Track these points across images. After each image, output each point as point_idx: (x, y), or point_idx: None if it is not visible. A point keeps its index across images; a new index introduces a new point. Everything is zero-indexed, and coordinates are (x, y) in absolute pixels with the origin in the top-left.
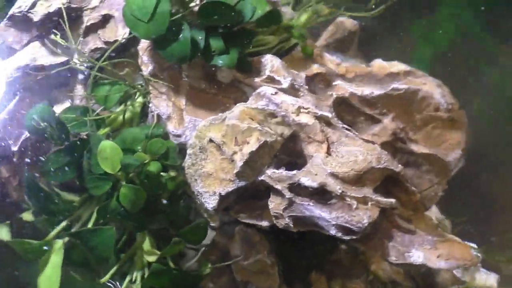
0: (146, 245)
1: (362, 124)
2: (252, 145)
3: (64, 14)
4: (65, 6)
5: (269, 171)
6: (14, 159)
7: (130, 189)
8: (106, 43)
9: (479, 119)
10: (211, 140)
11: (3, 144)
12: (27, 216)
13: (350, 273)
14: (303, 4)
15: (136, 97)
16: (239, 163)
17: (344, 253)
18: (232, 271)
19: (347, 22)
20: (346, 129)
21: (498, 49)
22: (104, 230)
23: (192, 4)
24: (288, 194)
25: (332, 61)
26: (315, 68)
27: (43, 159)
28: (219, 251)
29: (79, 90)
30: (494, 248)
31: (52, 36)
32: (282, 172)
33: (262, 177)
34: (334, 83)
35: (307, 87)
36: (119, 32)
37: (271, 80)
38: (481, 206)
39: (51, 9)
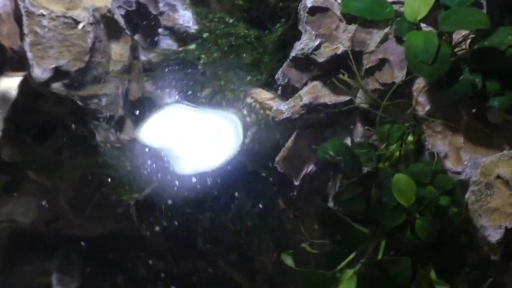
0: (433, 275)
1: None
2: None
3: (351, 56)
4: (350, 49)
5: None
6: (294, 193)
7: (426, 221)
8: (383, 84)
9: None
10: (498, 177)
11: (284, 178)
12: (306, 246)
13: None
14: None
15: (409, 136)
16: None
17: None
18: None
19: None
20: None
21: None
22: (402, 260)
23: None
24: None
25: None
26: None
27: (338, 190)
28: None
29: (358, 128)
30: None
31: (340, 76)
32: None
33: None
34: None
35: None
36: (395, 74)
37: None
38: None
39: (338, 51)
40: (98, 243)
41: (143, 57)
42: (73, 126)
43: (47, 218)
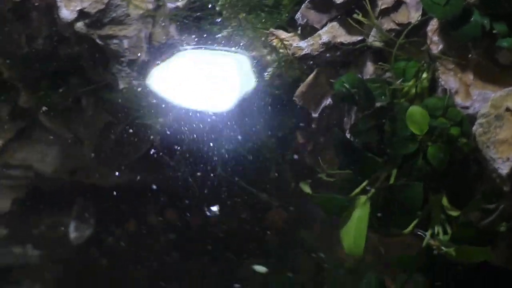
0: (445, 201)
1: None
2: None
3: None
4: None
5: None
6: (313, 125)
7: (438, 148)
8: (399, 25)
9: None
10: (507, 109)
11: (302, 112)
12: (323, 176)
13: None
14: None
15: (423, 73)
16: None
17: None
18: None
19: None
20: None
21: None
22: (414, 185)
23: None
24: None
25: None
26: None
27: (353, 122)
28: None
29: (369, 66)
30: None
31: (355, 15)
32: None
33: None
34: None
35: None
36: (411, 15)
37: None
38: None
39: None
40: (114, 193)
41: (170, 5)
42: (94, 70)
43: (69, 167)
